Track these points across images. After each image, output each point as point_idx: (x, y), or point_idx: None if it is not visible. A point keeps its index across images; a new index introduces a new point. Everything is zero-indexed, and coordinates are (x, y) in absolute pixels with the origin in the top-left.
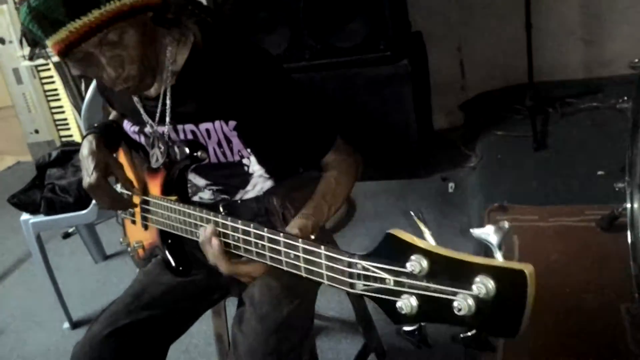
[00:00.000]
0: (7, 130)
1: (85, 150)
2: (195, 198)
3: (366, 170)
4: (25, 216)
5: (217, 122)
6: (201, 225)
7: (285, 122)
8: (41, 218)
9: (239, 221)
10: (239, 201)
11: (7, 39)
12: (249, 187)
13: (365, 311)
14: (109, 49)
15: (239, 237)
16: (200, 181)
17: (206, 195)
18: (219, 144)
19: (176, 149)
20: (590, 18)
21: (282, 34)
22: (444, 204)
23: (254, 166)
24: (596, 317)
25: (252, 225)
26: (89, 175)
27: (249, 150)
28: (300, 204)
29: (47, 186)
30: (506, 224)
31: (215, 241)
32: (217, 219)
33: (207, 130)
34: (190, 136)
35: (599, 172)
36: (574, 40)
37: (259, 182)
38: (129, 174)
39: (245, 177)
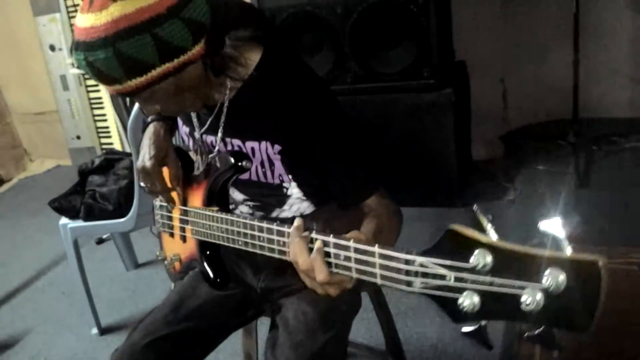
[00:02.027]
0: (49, 134)
1: (149, 137)
2: (235, 211)
3: (402, 195)
4: (64, 220)
5: (263, 143)
6: (252, 238)
7: (332, 156)
8: (80, 223)
9: (285, 225)
10: (277, 220)
11: (58, 46)
12: (285, 207)
13: (396, 341)
14: (160, 97)
15: (283, 242)
16: (238, 196)
17: (244, 209)
18: (262, 164)
19: (217, 160)
20: (639, 57)
21: (326, 56)
22: None
23: (293, 189)
24: None
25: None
26: (146, 160)
27: (290, 176)
28: (341, 233)
29: (88, 192)
30: (576, 216)
31: (318, 245)
32: (261, 224)
33: (252, 149)
34: (236, 149)
35: None
36: (621, 78)
37: (295, 202)
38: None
39: (282, 198)
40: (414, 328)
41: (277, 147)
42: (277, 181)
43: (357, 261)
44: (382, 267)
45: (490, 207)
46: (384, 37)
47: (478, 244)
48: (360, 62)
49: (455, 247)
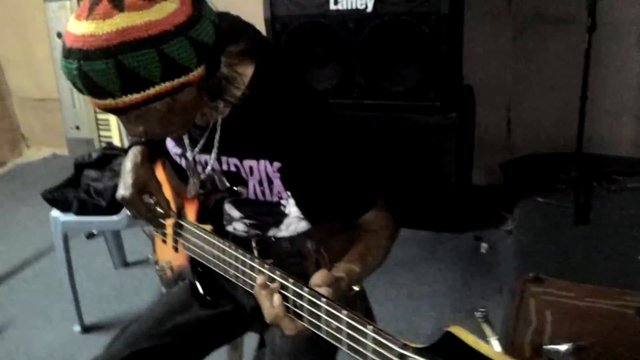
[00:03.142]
0: (48, 122)
1: (128, 163)
2: (229, 228)
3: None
4: (55, 213)
5: (262, 161)
6: (243, 274)
7: (331, 171)
8: (71, 217)
9: (277, 272)
10: (273, 238)
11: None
12: (282, 227)
13: None
14: (149, 118)
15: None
16: (234, 213)
17: (239, 227)
18: (260, 183)
19: (216, 179)
20: None
21: (334, 69)
22: (475, 264)
23: (290, 207)
24: None
25: (290, 280)
26: (125, 189)
27: (288, 193)
28: (336, 251)
29: (83, 186)
30: (586, 344)
31: (277, 300)
32: (253, 264)
33: (251, 168)
34: (233, 169)
35: None
36: (627, 117)
37: (293, 222)
38: (168, 189)
39: (279, 217)
40: None
41: (277, 165)
42: (275, 198)
43: (349, 336)
44: (375, 352)
45: (486, 235)
46: (394, 55)
47: (478, 356)
48: (368, 78)
49: (455, 353)
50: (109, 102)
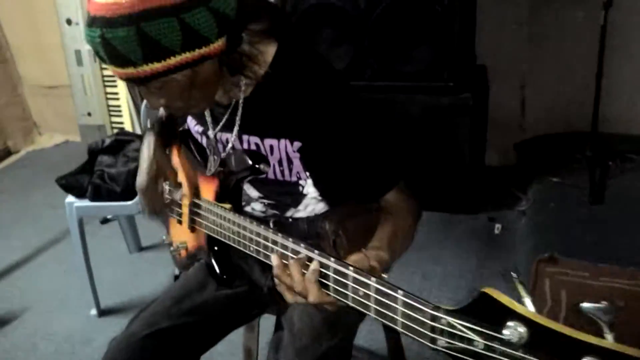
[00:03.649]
0: (60, 109)
1: (144, 151)
2: (247, 208)
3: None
4: (70, 199)
5: (282, 141)
6: (265, 248)
7: (353, 151)
8: (86, 203)
9: (302, 244)
10: (290, 219)
11: (75, 20)
12: (300, 207)
13: (398, 348)
14: (170, 90)
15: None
16: (253, 192)
17: (258, 207)
18: (280, 163)
19: (232, 159)
20: None
21: (345, 50)
22: (488, 245)
23: (308, 188)
24: None
25: (316, 252)
26: (139, 177)
27: (307, 173)
28: (353, 233)
29: (97, 172)
30: (622, 302)
31: (313, 265)
32: (276, 238)
33: (271, 147)
34: (253, 148)
35: None
36: None
37: (311, 203)
38: (183, 173)
39: (297, 197)
40: None
41: (297, 145)
42: (294, 178)
43: (377, 302)
44: (404, 315)
45: (500, 216)
46: (406, 35)
47: (514, 315)
48: (380, 59)
49: (489, 313)
50: (131, 70)
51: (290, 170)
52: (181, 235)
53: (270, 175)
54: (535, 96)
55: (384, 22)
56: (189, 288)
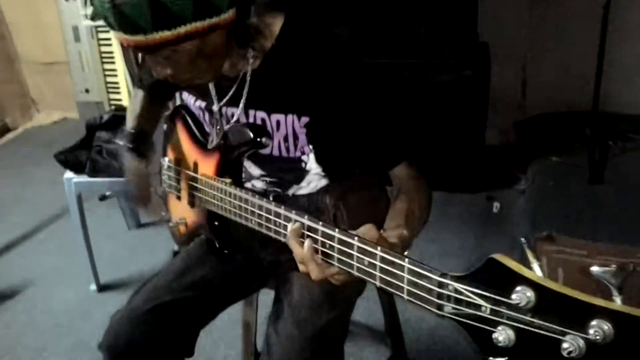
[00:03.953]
0: (58, 86)
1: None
2: (247, 185)
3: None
4: (69, 174)
5: (290, 116)
6: (267, 221)
7: (363, 122)
8: (84, 178)
9: (305, 216)
10: (291, 195)
11: None
12: (303, 184)
13: (396, 323)
14: (178, 60)
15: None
16: (255, 170)
17: (258, 184)
18: (285, 139)
19: (233, 134)
20: None
21: (344, 29)
22: (486, 223)
23: (311, 164)
24: None
25: (320, 223)
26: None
27: (310, 147)
28: (354, 207)
29: (95, 148)
30: (631, 266)
31: (307, 243)
32: (279, 210)
33: (278, 122)
34: (259, 123)
35: None
36: None
37: (314, 179)
38: (182, 148)
39: (301, 173)
40: (414, 311)
41: (305, 120)
42: (298, 154)
43: (382, 270)
44: (411, 283)
45: (499, 195)
46: (406, 12)
47: (522, 279)
48: (380, 37)
49: (495, 278)
50: (140, 38)
51: (295, 145)
52: (180, 211)
53: (275, 152)
54: (536, 75)
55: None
56: (190, 263)
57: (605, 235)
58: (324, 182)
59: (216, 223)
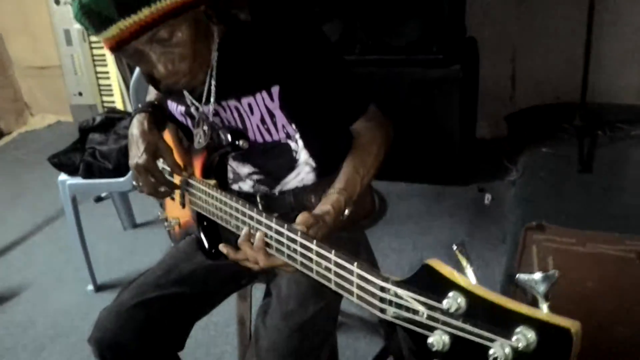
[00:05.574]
0: (51, 89)
1: (135, 130)
2: (235, 187)
3: (402, 170)
4: (63, 177)
5: (258, 95)
6: (243, 223)
7: (323, 84)
8: (79, 180)
9: (273, 219)
10: (277, 193)
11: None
12: (292, 175)
13: None
14: (159, 47)
15: (272, 236)
16: (243, 169)
17: (246, 185)
18: (262, 120)
19: (220, 133)
20: None
21: (335, 25)
22: (478, 215)
23: (300, 151)
24: (626, 349)
25: (286, 226)
26: (138, 157)
27: (293, 125)
28: None
29: (88, 150)
30: (556, 273)
31: (257, 241)
32: (252, 213)
33: (250, 105)
34: (235, 113)
35: None
36: (631, 65)
37: (302, 170)
38: (176, 151)
39: (291, 163)
40: None
41: (275, 91)
42: (282, 134)
43: (337, 275)
44: (359, 287)
45: (490, 187)
46: (395, 8)
47: (453, 286)
48: (370, 33)
49: (431, 284)
50: (115, 31)
51: (275, 124)
52: (175, 211)
53: (259, 139)
54: (525, 68)
55: None
56: (178, 259)
57: (596, 223)
58: (311, 176)
59: (205, 223)
